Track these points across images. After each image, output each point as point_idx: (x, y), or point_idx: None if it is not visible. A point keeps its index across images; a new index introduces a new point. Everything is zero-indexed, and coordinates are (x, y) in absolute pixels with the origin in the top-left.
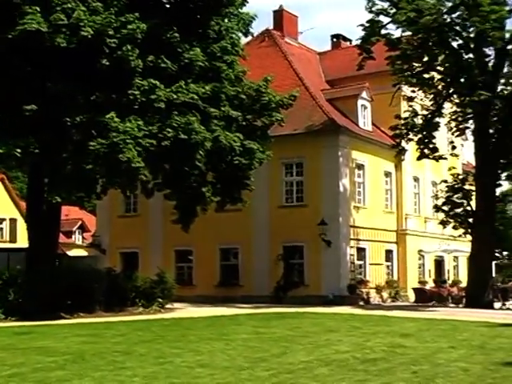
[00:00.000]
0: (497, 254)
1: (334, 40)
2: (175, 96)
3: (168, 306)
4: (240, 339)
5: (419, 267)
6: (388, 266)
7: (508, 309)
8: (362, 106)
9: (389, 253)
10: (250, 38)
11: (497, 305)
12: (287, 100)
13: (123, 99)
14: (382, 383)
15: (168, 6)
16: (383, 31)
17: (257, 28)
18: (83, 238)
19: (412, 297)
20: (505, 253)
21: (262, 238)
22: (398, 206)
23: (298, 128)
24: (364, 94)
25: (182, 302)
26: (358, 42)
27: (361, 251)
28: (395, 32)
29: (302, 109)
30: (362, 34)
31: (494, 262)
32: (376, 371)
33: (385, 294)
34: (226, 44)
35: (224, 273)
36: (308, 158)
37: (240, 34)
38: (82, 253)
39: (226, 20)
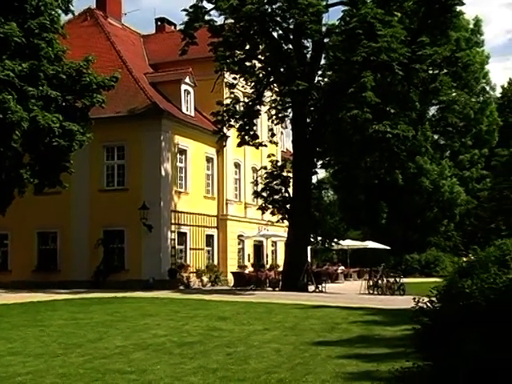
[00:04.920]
0: (312, 240)
1: (159, 24)
2: None
3: None
4: (56, 325)
5: (239, 252)
6: (209, 251)
7: (321, 291)
8: (185, 91)
9: (209, 238)
10: (70, 16)
11: (311, 288)
12: (109, 82)
13: None
14: (196, 366)
15: None
16: (207, 17)
17: (78, 6)
18: None
19: (231, 281)
20: (319, 238)
21: (81, 222)
22: (219, 191)
23: (120, 111)
24: (187, 79)
25: None
26: (182, 26)
27: (182, 236)
28: (218, 19)
29: (124, 91)
30: (186, 18)
31: (309, 247)
32: (192, 354)
33: (205, 278)
34: (45, 21)
35: (42, 258)
36: (130, 142)
37: (60, 11)
38: None
39: None
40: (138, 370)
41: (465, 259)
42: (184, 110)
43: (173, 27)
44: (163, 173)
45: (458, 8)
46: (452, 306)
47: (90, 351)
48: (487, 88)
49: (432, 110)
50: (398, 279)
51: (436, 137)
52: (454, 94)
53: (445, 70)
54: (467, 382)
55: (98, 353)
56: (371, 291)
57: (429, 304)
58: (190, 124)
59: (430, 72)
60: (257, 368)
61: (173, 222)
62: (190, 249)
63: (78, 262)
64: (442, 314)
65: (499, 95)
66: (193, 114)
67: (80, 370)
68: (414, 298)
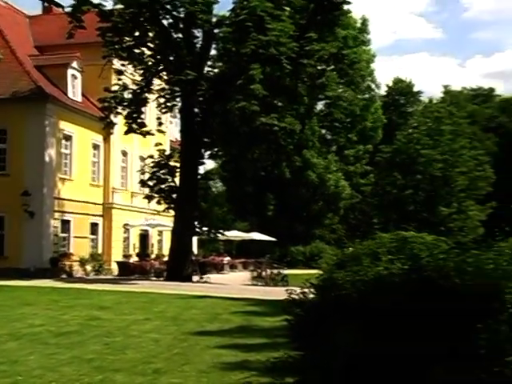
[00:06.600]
0: (198, 230)
1: (46, 5)
2: None
3: None
4: None
5: (124, 241)
6: (93, 240)
7: (205, 282)
8: (72, 75)
9: (94, 226)
10: None
11: (195, 278)
12: None
13: None
14: (71, 356)
15: None
16: (95, 1)
17: None
18: None
19: (116, 270)
20: (205, 228)
21: None
22: (106, 179)
23: (2, 93)
24: (74, 64)
25: None
26: (70, 9)
27: (65, 223)
28: (108, 3)
29: (7, 73)
30: (73, 1)
31: (195, 237)
32: (68, 344)
33: (88, 267)
34: None
35: None
36: (13, 126)
37: None
38: None
39: None
40: (9, 360)
41: (347, 252)
42: (70, 95)
43: (60, 9)
44: (47, 158)
45: (346, 7)
46: (325, 297)
47: None
48: (373, 86)
49: (320, 105)
50: (281, 271)
51: (323, 131)
52: (340, 90)
53: (332, 66)
54: (343, 373)
55: None
56: (255, 282)
57: (301, 295)
58: (76, 110)
59: (318, 67)
60: (134, 358)
61: (56, 209)
62: (74, 237)
63: None
64: (314, 305)
65: (384, 93)
66: (80, 100)
67: None
68: (287, 290)
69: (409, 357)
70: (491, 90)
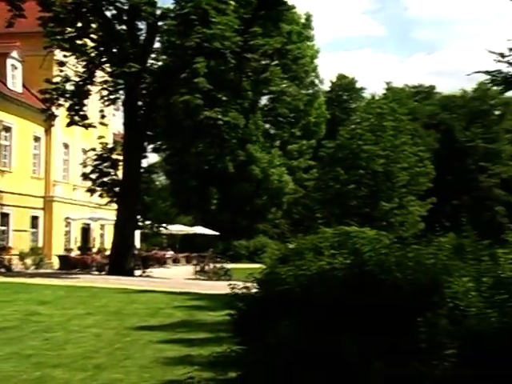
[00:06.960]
0: (141, 224)
1: None
2: None
3: None
4: None
5: (66, 234)
6: (33, 233)
7: (147, 276)
8: (11, 65)
9: (35, 219)
10: None
11: (138, 272)
12: None
13: None
14: (10, 352)
15: None
16: None
17: None
18: None
19: (57, 264)
20: (148, 222)
21: None
22: (47, 171)
23: None
24: (14, 54)
25: None
26: None
27: (4, 217)
28: None
29: None
30: None
31: (138, 231)
32: (6, 340)
33: (28, 261)
34: None
35: None
36: None
37: None
38: None
39: None
40: None
41: (290, 246)
42: (10, 85)
43: None
44: None
45: (291, 2)
46: (268, 291)
47: None
48: (316, 81)
49: (264, 100)
50: (224, 265)
51: (267, 126)
52: (284, 85)
53: (276, 61)
54: (286, 368)
55: None
56: (198, 276)
57: (244, 290)
58: (16, 101)
59: (262, 62)
60: (74, 353)
61: None
62: (13, 230)
63: None
64: (257, 300)
65: (328, 89)
66: (20, 91)
67: None
68: (230, 284)
69: (351, 352)
70: (432, 87)
